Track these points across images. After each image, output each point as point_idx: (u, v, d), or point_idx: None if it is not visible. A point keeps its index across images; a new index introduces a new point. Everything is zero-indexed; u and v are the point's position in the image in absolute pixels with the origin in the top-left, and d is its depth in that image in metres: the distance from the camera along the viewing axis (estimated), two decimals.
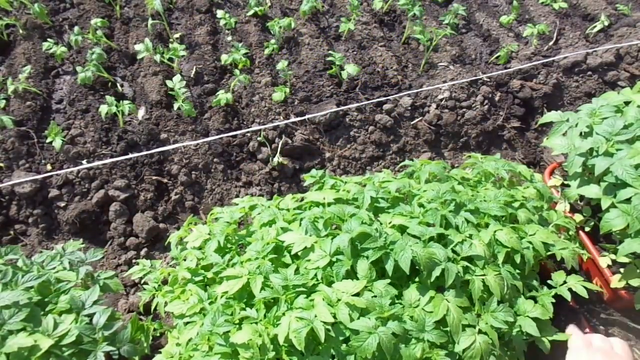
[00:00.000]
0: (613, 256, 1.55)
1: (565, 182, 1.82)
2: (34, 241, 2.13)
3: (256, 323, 1.11)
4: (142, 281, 1.55)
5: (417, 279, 1.19)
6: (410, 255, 1.11)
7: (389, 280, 1.15)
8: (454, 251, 1.21)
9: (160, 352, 1.29)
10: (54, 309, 1.31)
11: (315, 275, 1.17)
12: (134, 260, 2.10)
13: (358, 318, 1.07)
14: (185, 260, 1.45)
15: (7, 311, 1.18)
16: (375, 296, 1.12)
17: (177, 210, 2.27)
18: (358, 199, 1.34)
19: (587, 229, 1.69)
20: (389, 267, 1.12)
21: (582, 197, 1.77)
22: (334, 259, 1.18)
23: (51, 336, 1.18)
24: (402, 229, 1.24)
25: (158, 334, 1.63)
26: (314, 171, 1.58)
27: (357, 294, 1.10)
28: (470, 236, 1.24)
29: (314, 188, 1.55)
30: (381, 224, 1.25)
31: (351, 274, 1.18)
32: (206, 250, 1.37)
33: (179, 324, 1.30)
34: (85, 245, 2.10)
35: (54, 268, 1.45)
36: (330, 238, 1.20)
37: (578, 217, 1.69)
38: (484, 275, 1.18)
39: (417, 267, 1.15)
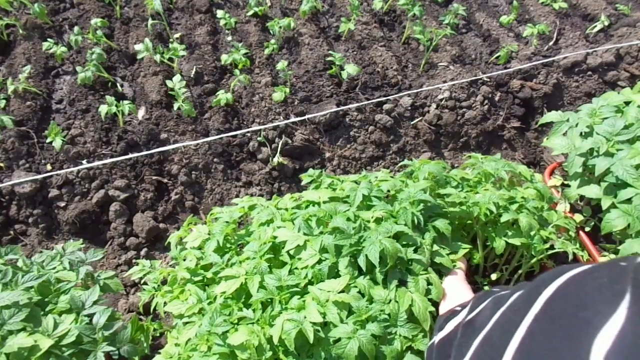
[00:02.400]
0: (613, 256, 1.55)
1: (566, 182, 1.82)
2: (34, 241, 2.13)
3: (253, 323, 1.11)
4: (142, 281, 1.55)
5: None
6: (378, 249, 1.12)
7: (369, 277, 1.16)
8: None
9: (159, 353, 1.29)
10: (54, 309, 1.32)
11: (307, 274, 1.17)
12: (134, 260, 2.10)
13: (347, 317, 1.08)
14: (184, 260, 1.45)
15: (7, 311, 1.18)
16: (360, 291, 1.12)
17: (177, 210, 2.27)
18: (350, 196, 1.34)
19: (587, 229, 1.69)
20: (361, 262, 1.13)
21: (582, 197, 1.77)
22: (322, 257, 1.19)
23: (51, 336, 1.18)
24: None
25: (158, 334, 1.63)
26: (311, 170, 1.58)
27: (343, 291, 1.10)
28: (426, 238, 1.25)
29: (311, 187, 1.55)
30: (367, 221, 1.25)
31: (337, 272, 1.18)
32: (205, 250, 1.37)
33: (178, 324, 1.30)
34: (85, 245, 2.10)
35: (54, 268, 1.45)
36: (323, 236, 1.21)
37: (578, 217, 1.69)
38: (427, 273, 1.19)
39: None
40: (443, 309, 1.12)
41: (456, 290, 1.16)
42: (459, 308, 0.90)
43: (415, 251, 1.21)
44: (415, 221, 1.23)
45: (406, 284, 1.17)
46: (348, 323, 1.06)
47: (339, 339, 1.05)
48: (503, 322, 0.55)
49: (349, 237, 1.16)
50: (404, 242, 1.22)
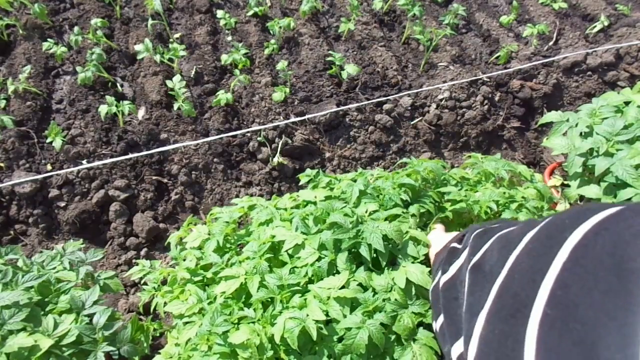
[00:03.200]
0: None
1: (566, 182, 1.82)
2: (34, 241, 2.13)
3: (253, 323, 1.12)
4: (142, 281, 1.55)
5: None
6: (380, 235, 1.12)
7: (367, 267, 1.17)
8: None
9: (159, 353, 1.29)
10: (54, 309, 1.32)
11: (307, 272, 1.18)
12: (134, 260, 2.10)
13: (350, 312, 1.08)
14: (184, 260, 1.45)
15: (7, 311, 1.18)
16: (360, 284, 1.13)
17: (177, 210, 2.28)
18: (346, 192, 1.34)
19: None
20: (364, 252, 1.13)
21: (582, 197, 1.77)
22: (321, 255, 1.19)
23: (51, 336, 1.18)
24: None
25: (158, 334, 1.63)
26: (308, 170, 1.59)
27: (343, 287, 1.11)
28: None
29: (309, 187, 1.56)
30: (362, 216, 1.26)
31: (336, 269, 1.19)
32: (205, 250, 1.37)
33: (178, 324, 1.30)
34: (86, 245, 2.10)
35: (54, 268, 1.45)
36: (321, 234, 1.21)
37: None
38: (408, 234, 1.22)
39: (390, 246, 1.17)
40: (433, 252, 1.10)
41: (440, 236, 1.15)
42: (457, 245, 0.85)
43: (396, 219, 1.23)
44: (404, 197, 1.25)
45: (397, 259, 1.18)
46: (357, 314, 1.07)
47: (346, 332, 1.05)
48: (521, 269, 0.51)
49: (347, 231, 1.17)
50: (390, 219, 1.24)
